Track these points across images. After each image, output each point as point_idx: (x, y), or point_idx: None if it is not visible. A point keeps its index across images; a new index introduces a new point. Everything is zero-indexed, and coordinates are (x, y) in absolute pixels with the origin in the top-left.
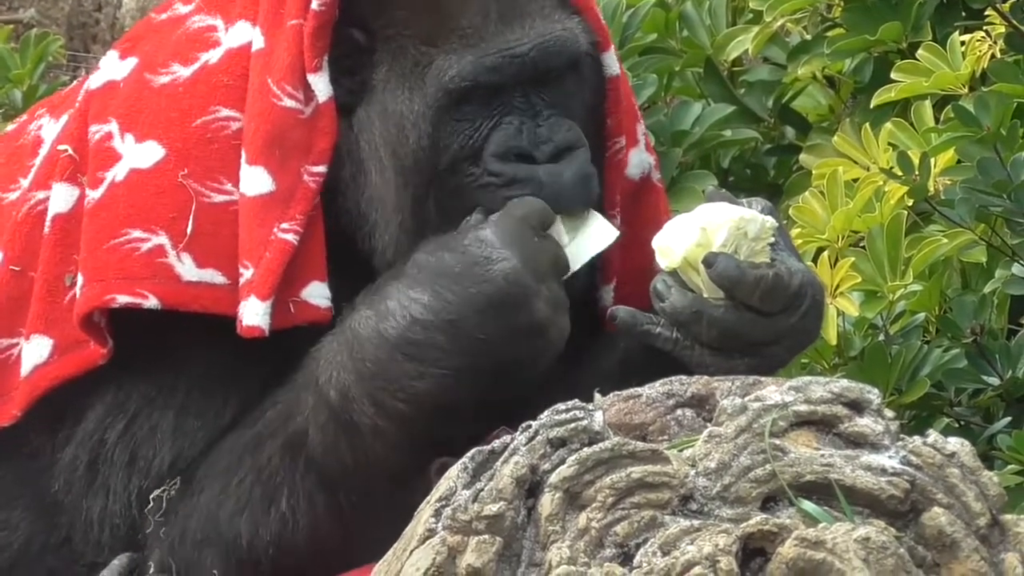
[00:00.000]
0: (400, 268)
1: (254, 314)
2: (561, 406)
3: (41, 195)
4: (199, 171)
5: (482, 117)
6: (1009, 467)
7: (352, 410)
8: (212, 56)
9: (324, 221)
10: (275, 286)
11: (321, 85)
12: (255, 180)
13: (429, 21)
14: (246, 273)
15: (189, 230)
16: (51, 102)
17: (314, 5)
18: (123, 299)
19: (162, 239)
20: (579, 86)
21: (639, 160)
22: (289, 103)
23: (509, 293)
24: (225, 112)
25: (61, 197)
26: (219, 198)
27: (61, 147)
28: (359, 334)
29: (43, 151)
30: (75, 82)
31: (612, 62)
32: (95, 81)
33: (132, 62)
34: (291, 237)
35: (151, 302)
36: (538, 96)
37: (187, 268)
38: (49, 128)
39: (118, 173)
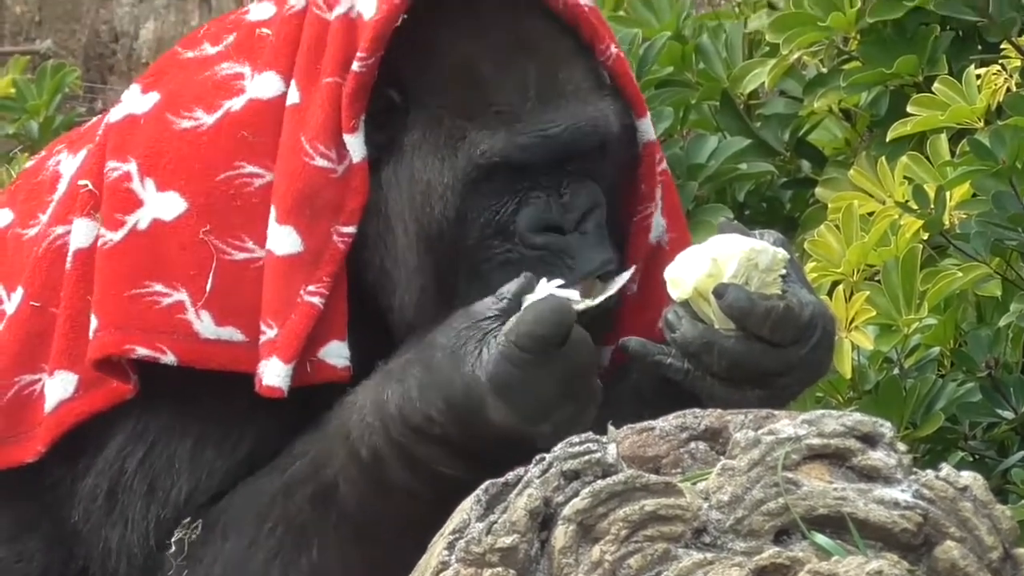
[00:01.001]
0: (427, 340)
1: (275, 375)
2: (575, 438)
3: (60, 230)
4: (221, 227)
5: (508, 193)
6: (1023, 501)
7: (384, 468)
8: (235, 104)
9: (348, 277)
10: (299, 350)
11: (356, 145)
12: (284, 239)
13: (467, 95)
14: (269, 332)
15: (208, 287)
16: (69, 138)
17: (355, 66)
18: (142, 351)
19: (182, 295)
20: (603, 162)
21: (657, 224)
22: (321, 162)
23: (507, 436)
24: (249, 168)
25: (82, 232)
26: (240, 256)
27: (81, 182)
28: (388, 407)
29: (61, 186)
30: (92, 114)
31: (647, 128)
32: (115, 114)
33: (154, 98)
34: (317, 300)
35: (168, 358)
36: (562, 171)
37: (205, 326)
38: (67, 163)
39: (140, 221)
